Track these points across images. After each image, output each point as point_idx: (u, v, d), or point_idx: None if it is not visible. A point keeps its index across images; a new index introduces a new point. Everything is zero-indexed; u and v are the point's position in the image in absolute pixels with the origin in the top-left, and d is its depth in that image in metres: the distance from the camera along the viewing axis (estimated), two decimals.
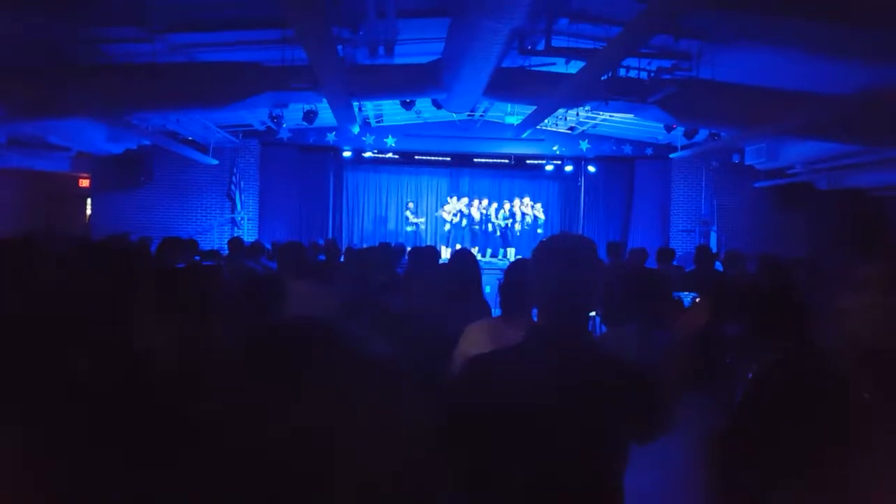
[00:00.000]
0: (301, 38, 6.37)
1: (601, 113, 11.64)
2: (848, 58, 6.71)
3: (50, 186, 14.42)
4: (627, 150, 14.44)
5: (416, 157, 14.99)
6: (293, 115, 11.12)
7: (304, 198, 14.75)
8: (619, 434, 1.70)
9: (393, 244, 9.05)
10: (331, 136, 14.04)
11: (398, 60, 8.60)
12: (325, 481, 0.77)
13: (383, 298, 3.66)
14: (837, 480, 1.17)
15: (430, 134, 14.19)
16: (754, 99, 8.08)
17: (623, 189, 15.17)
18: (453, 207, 14.85)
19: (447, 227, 14.86)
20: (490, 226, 14.95)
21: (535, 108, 9.93)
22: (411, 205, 15.24)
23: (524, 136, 13.11)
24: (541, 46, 7.74)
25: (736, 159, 12.95)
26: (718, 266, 7.39)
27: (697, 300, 1.94)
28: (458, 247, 9.15)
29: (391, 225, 15.91)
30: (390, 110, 12.91)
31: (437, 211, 15.39)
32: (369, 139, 14.22)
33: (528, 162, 15.13)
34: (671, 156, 13.41)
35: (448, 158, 15.12)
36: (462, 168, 15.78)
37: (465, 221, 14.83)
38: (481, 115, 13.84)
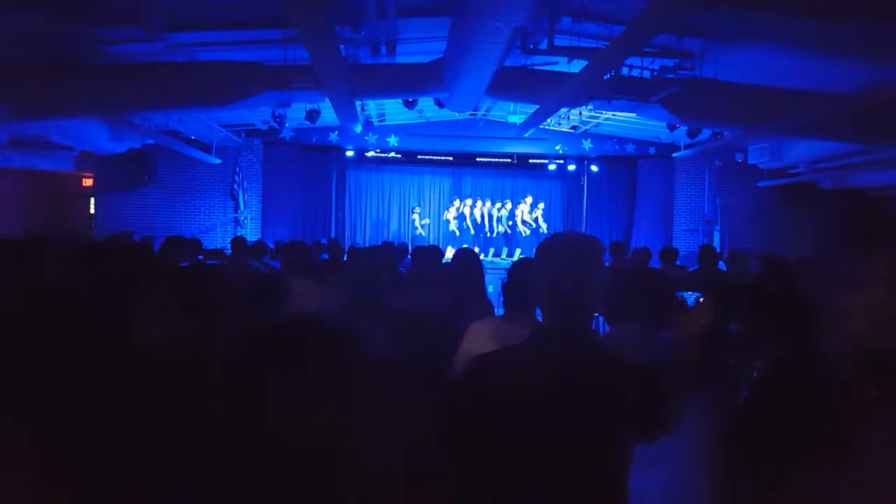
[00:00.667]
0: (303, 38, 6.38)
1: (604, 112, 11.63)
2: (852, 56, 6.69)
3: (53, 186, 14.41)
4: (630, 149, 14.42)
5: (419, 156, 15.00)
6: (296, 114, 11.13)
7: (307, 197, 14.77)
8: (622, 433, 1.69)
9: (396, 243, 9.05)
10: (333, 136, 14.05)
11: (400, 59, 8.59)
12: (328, 478, 0.77)
13: (386, 297, 3.66)
14: (843, 481, 1.17)
15: (432, 133, 14.19)
16: (757, 98, 8.06)
17: (626, 188, 15.16)
18: (457, 210, 14.87)
19: (450, 226, 14.87)
20: (493, 225, 14.95)
21: (537, 107, 9.91)
22: (418, 209, 15.24)
23: (527, 135, 13.10)
24: (543, 45, 7.73)
25: (739, 158, 12.92)
26: (722, 265, 7.38)
27: (700, 300, 1.93)
28: (465, 246, 9.17)
29: (394, 224, 15.93)
30: (393, 110, 12.91)
31: (443, 214, 15.35)
32: (372, 138, 14.23)
33: (530, 161, 15.12)
34: (674, 155, 13.39)
35: (450, 158, 15.13)
36: (465, 167, 15.78)
37: (467, 221, 14.83)
38: (484, 115, 13.84)
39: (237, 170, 13.74)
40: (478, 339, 2.65)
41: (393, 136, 14.28)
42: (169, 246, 6.21)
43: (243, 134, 13.47)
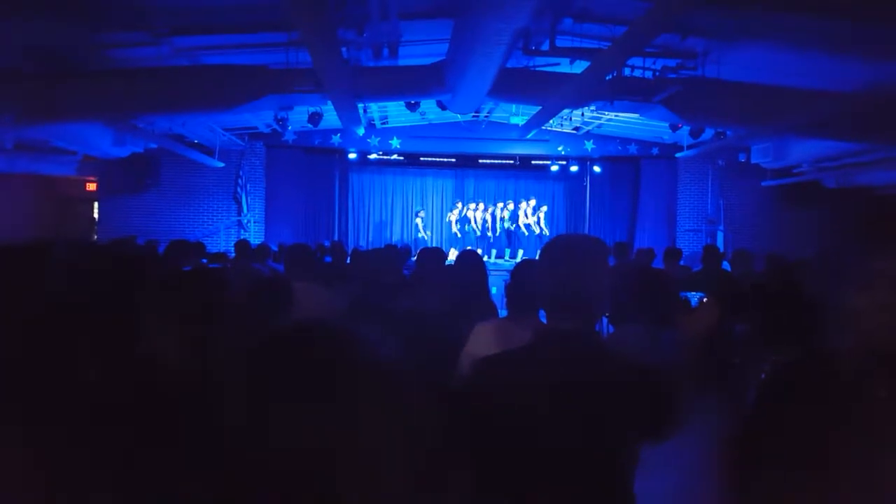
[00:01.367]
0: (305, 41, 6.39)
1: (606, 113, 11.62)
2: (855, 55, 6.68)
3: (57, 190, 14.49)
4: (633, 149, 14.40)
5: (422, 158, 15.01)
6: (298, 117, 11.15)
7: (310, 200, 14.78)
8: (627, 436, 1.68)
9: (399, 246, 9.05)
10: (336, 138, 14.07)
11: (402, 62, 8.61)
12: (334, 483, 0.76)
13: (390, 300, 3.66)
14: (854, 482, 1.16)
15: (434, 135, 14.20)
16: (760, 97, 8.04)
17: (629, 189, 15.14)
18: (459, 212, 14.89)
19: (453, 228, 14.88)
20: (496, 227, 14.95)
21: (540, 108, 9.91)
22: (422, 213, 15.24)
23: (529, 136, 13.09)
24: (545, 46, 7.73)
25: (742, 158, 12.89)
26: (726, 266, 7.36)
27: (705, 300, 1.92)
28: (468, 248, 9.16)
29: (397, 226, 15.95)
30: (395, 112, 12.92)
31: (445, 216, 15.36)
32: (374, 141, 14.24)
33: (533, 162, 15.11)
34: (677, 155, 13.36)
35: (453, 159, 15.14)
36: (467, 169, 15.79)
37: (470, 223, 14.84)
38: (486, 116, 13.84)
39: (240, 173, 13.76)
40: (482, 341, 2.65)
41: (395, 138, 14.29)
42: (173, 250, 6.21)
43: (246, 137, 13.50)
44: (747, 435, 1.35)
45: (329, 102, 8.90)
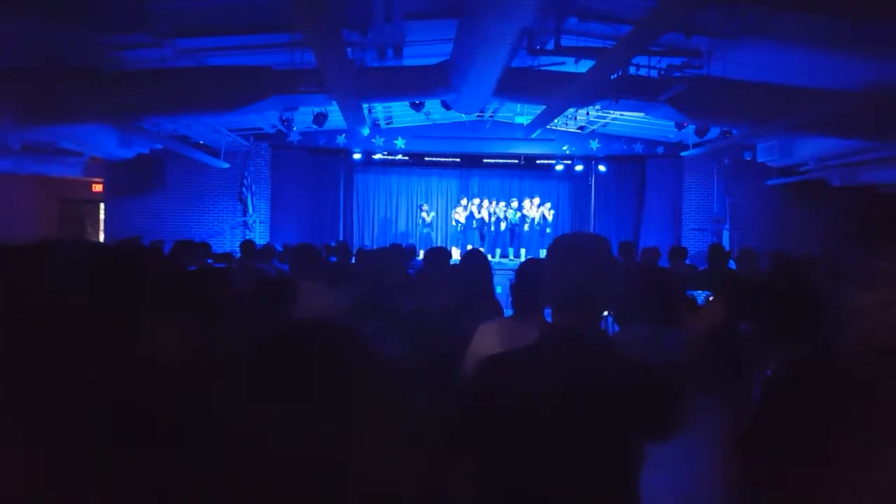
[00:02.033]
0: (310, 42, 6.40)
1: (611, 112, 11.60)
2: (859, 53, 6.65)
3: (63, 191, 14.56)
4: (638, 148, 14.37)
5: (426, 158, 15.02)
6: (303, 118, 11.17)
7: (315, 200, 14.81)
8: (633, 434, 1.68)
9: (404, 245, 9.06)
10: (341, 139, 14.08)
11: (407, 62, 8.61)
12: (340, 481, 0.77)
13: (395, 300, 3.66)
14: (860, 480, 1.16)
15: (439, 135, 14.20)
16: (766, 96, 8.02)
17: (634, 188, 15.11)
18: (465, 210, 14.89)
19: (458, 227, 14.89)
20: (501, 226, 14.95)
21: (544, 107, 9.90)
22: (426, 206, 15.27)
23: (534, 136, 13.08)
24: (550, 46, 7.72)
25: (748, 157, 12.85)
26: (732, 265, 7.34)
27: (711, 298, 1.92)
28: (473, 247, 9.15)
29: (402, 226, 15.96)
30: (400, 112, 12.93)
31: (451, 212, 15.39)
32: (379, 141, 14.25)
33: (538, 162, 15.10)
34: (682, 154, 13.34)
35: (458, 159, 15.14)
36: (472, 169, 15.79)
37: (475, 222, 14.84)
38: (491, 116, 13.84)
39: (245, 174, 13.79)
40: (487, 341, 2.65)
41: (400, 138, 14.30)
42: (179, 250, 6.23)
43: (251, 138, 13.53)
44: (752, 433, 1.35)
45: (334, 103, 8.91)
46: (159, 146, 11.68)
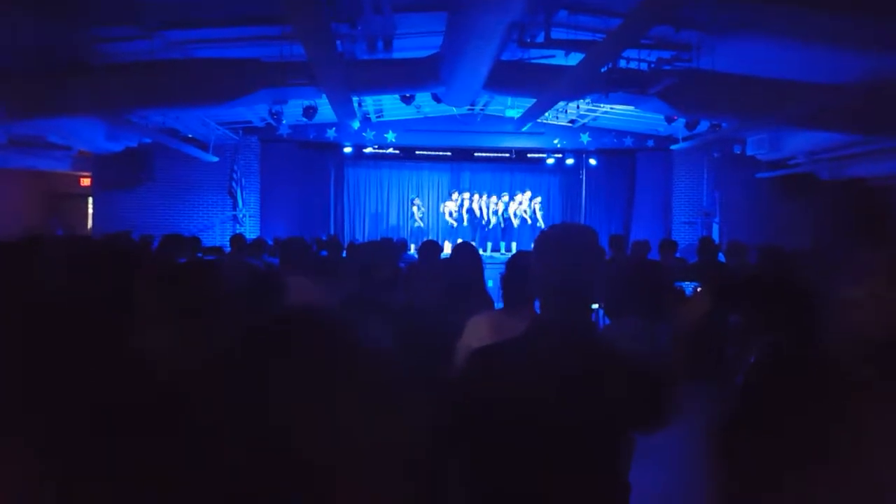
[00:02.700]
0: (299, 35, 6.36)
1: (602, 105, 11.61)
2: (848, 47, 6.68)
3: (51, 186, 14.44)
4: (628, 142, 14.40)
5: (417, 151, 15.00)
6: (293, 111, 11.10)
7: (306, 194, 14.76)
8: (621, 425, 1.69)
9: (395, 239, 9.05)
10: (331, 132, 14.03)
11: (397, 55, 8.57)
12: (328, 473, 0.76)
13: (386, 293, 3.65)
14: (844, 471, 1.17)
15: (430, 128, 14.16)
16: (755, 89, 8.05)
17: (624, 181, 15.16)
18: (455, 204, 14.90)
19: (450, 221, 14.89)
20: (492, 219, 14.96)
21: (535, 101, 9.89)
22: (418, 201, 15.25)
23: (525, 129, 13.08)
24: (540, 39, 7.70)
25: (737, 150, 12.91)
26: (721, 257, 7.38)
27: (698, 289, 1.93)
28: (463, 241, 9.16)
29: (392, 220, 15.94)
30: (390, 105, 12.89)
31: (441, 207, 15.39)
32: (369, 135, 14.20)
33: (528, 155, 15.10)
34: (672, 147, 13.38)
35: (449, 153, 15.12)
36: (463, 162, 15.78)
37: (466, 216, 14.84)
38: (481, 109, 13.81)
39: (235, 167, 13.72)
40: (477, 333, 2.65)
41: (391, 131, 14.26)
42: (168, 244, 6.20)
43: (241, 131, 13.46)
44: (735, 421, 1.36)
45: (324, 96, 8.87)
46: (148, 140, 11.60)
